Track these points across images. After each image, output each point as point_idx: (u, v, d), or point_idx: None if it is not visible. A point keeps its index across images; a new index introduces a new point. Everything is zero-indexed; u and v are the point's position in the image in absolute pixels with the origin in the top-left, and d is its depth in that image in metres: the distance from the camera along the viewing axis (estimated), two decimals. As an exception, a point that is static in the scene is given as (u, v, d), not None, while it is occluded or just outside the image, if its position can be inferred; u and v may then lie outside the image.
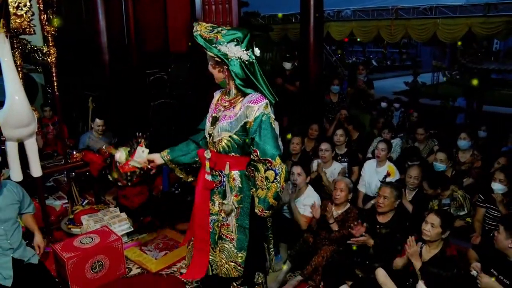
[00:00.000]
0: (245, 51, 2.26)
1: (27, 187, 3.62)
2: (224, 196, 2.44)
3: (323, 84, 6.77)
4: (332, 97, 6.65)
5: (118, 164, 2.65)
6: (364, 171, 4.64)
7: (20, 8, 3.67)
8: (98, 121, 5.50)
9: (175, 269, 3.74)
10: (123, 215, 4.31)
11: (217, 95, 2.53)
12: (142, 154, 2.61)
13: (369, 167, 4.60)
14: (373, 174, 4.50)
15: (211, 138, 2.41)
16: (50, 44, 4.02)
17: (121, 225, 4.18)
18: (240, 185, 2.42)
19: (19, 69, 3.74)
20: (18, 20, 3.69)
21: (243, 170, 2.42)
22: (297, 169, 3.94)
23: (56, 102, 4.36)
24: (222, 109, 2.40)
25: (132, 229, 4.27)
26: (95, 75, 6.35)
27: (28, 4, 3.75)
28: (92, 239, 3.55)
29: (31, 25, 3.81)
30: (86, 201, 4.94)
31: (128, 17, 6.33)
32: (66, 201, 4.80)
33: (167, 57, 6.55)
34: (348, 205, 3.74)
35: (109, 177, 2.53)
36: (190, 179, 2.73)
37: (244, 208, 2.44)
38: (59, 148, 5.38)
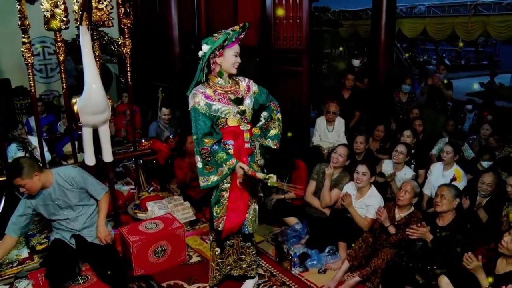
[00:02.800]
0: None
1: (99, 172, 3.84)
2: (255, 155, 3.03)
3: (392, 83, 6.54)
4: (402, 97, 6.40)
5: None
6: (431, 174, 4.44)
7: (101, 2, 3.86)
8: (164, 110, 5.69)
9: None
10: (187, 203, 4.43)
11: (204, 90, 2.86)
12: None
13: (436, 170, 4.39)
14: (439, 178, 4.28)
15: (244, 114, 2.92)
16: (126, 36, 4.19)
17: (184, 213, 4.29)
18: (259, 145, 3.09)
19: (97, 59, 3.94)
20: (98, 13, 3.88)
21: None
22: (362, 168, 3.84)
23: (129, 91, 4.55)
24: (232, 92, 2.91)
25: (195, 218, 4.37)
26: (166, 67, 6.56)
27: (108, -2, 3.94)
28: (156, 225, 3.68)
29: (110, 18, 4.00)
30: (151, 188, 5.12)
31: (199, 11, 6.47)
32: (133, 187, 5.00)
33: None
34: (412, 208, 3.59)
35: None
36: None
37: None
38: (129, 135, 5.62)
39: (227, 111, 2.86)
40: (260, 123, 3.09)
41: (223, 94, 2.88)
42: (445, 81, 6.55)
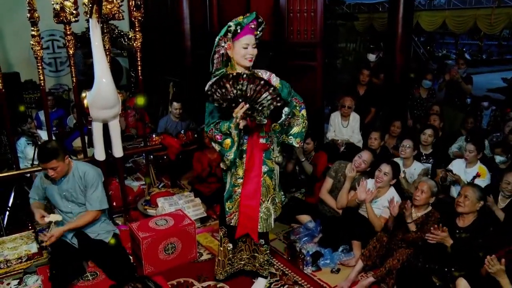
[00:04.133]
0: None
1: (109, 167, 3.87)
2: (272, 152, 2.99)
3: (410, 78, 6.47)
4: (422, 92, 6.33)
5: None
6: (452, 167, 4.37)
7: (111, -5, 3.89)
8: (175, 104, 5.71)
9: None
10: (198, 200, 4.45)
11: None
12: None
13: (458, 167, 4.33)
14: (462, 175, 4.22)
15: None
16: (136, 29, 4.21)
17: (195, 210, 4.31)
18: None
19: (107, 53, 3.97)
20: (109, 6, 3.92)
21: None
22: (386, 168, 3.82)
23: (139, 85, 4.58)
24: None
25: (206, 214, 4.39)
26: (177, 61, 6.59)
27: (118, -10, 3.96)
28: (167, 222, 3.70)
29: (120, 10, 4.03)
30: (162, 184, 5.16)
31: (211, 4, 6.48)
32: (144, 182, 5.04)
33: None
34: (430, 208, 3.55)
35: None
36: None
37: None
38: (140, 130, 5.66)
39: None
40: (281, 119, 2.91)
41: None
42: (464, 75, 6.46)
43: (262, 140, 2.90)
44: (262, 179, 2.95)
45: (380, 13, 12.67)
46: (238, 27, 2.72)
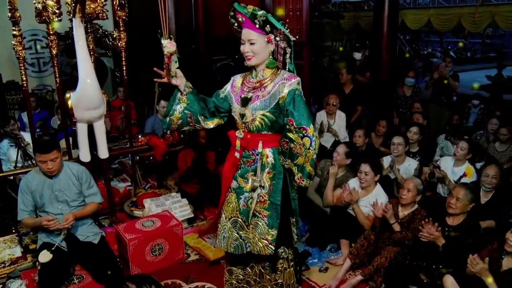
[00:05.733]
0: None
1: (94, 168, 3.84)
2: (255, 174, 2.54)
3: (396, 76, 6.54)
4: (406, 90, 6.40)
5: (166, 52, 2.67)
6: (439, 164, 4.43)
7: (95, -7, 3.86)
8: (163, 102, 5.69)
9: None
10: (184, 200, 4.44)
11: (238, 78, 2.64)
12: (175, 64, 2.68)
13: (446, 165, 4.38)
14: (449, 173, 4.27)
15: (243, 118, 2.51)
16: (121, 29, 4.18)
17: (182, 210, 4.31)
18: (273, 162, 2.53)
19: (91, 53, 3.93)
20: (92, 6, 3.88)
21: (276, 147, 2.51)
22: (365, 167, 3.85)
23: (124, 86, 4.55)
24: (252, 90, 2.49)
25: (193, 215, 4.39)
26: (163, 60, 6.55)
27: (102, -11, 3.93)
28: (154, 223, 3.69)
29: (104, 10, 3.99)
30: (148, 185, 5.14)
31: (196, 3, 6.46)
32: (130, 183, 5.02)
33: (234, 43, 6.61)
34: (416, 206, 3.60)
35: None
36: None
37: (277, 185, 2.54)
38: (125, 131, 5.62)
39: (234, 109, 2.56)
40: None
41: (245, 88, 2.53)
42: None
43: (236, 154, 2.58)
44: (227, 193, 2.67)
45: (365, 11, 12.71)
46: (231, 22, 2.53)
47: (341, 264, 3.56)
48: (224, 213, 2.68)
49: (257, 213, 2.56)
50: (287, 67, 2.50)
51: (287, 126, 2.38)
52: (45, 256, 3.06)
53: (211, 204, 4.54)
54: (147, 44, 6.88)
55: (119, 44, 4.27)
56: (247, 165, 2.56)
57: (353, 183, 3.99)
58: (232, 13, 2.48)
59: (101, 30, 4.26)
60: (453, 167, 4.35)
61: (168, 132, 5.32)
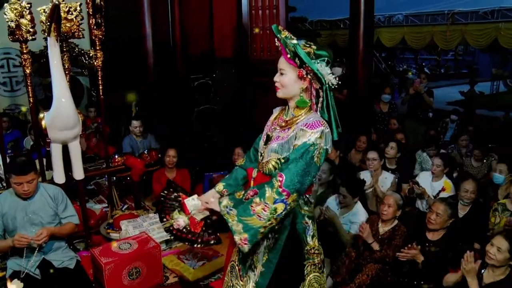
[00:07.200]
0: (332, 75, 2.10)
1: (69, 190, 3.76)
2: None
3: (372, 93, 6.64)
4: (382, 107, 6.51)
5: (190, 229, 2.32)
6: (418, 179, 4.49)
7: (70, 13, 3.82)
8: (134, 122, 5.64)
9: (213, 279, 3.74)
10: (162, 221, 4.36)
11: (275, 112, 2.40)
12: (195, 203, 2.29)
13: (424, 180, 4.45)
14: (427, 188, 4.34)
15: (261, 157, 2.27)
16: (97, 47, 4.15)
17: (160, 231, 4.21)
18: None
19: (66, 72, 3.89)
20: (68, 24, 3.85)
21: None
22: (342, 190, 3.89)
23: (101, 105, 4.49)
24: (278, 128, 2.24)
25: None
26: (140, 79, 6.52)
27: (78, 8, 3.90)
28: (131, 245, 3.61)
29: (80, 29, 3.96)
30: (126, 206, 5.04)
31: (174, 22, 6.48)
32: (106, 205, 4.92)
33: (212, 62, 6.65)
34: (396, 222, 3.62)
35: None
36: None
37: (279, 240, 2.20)
38: (101, 151, 5.54)
39: (259, 145, 2.34)
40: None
41: (275, 125, 2.29)
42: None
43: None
44: None
45: (342, 29, 13.00)
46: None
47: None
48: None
49: (253, 266, 2.26)
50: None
51: (273, 180, 2.03)
52: (15, 286, 2.94)
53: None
54: (125, 62, 6.88)
55: (95, 63, 4.23)
56: None
57: (333, 201, 4.01)
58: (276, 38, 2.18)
59: (77, 49, 4.22)
60: (431, 182, 4.42)
61: (146, 152, 5.27)
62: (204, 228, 2.32)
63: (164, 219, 2.34)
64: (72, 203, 3.41)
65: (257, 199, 2.01)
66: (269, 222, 2.00)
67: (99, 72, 4.26)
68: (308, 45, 2.10)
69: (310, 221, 2.27)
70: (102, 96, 4.38)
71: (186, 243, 2.33)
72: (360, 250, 3.59)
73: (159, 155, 5.25)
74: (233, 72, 6.45)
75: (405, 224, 3.59)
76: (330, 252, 3.72)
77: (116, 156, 4.91)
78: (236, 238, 2.01)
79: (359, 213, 3.83)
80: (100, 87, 4.33)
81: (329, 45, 13.43)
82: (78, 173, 3.98)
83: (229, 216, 2.03)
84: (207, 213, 2.27)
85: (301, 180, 2.02)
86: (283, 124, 2.22)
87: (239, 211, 2.02)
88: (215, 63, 6.67)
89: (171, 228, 2.31)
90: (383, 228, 3.61)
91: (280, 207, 1.99)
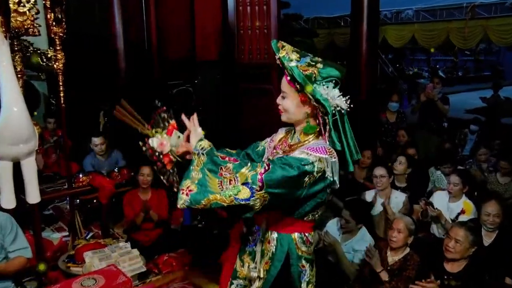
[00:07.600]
0: (342, 97, 2.11)
1: (20, 216, 3.67)
2: (254, 259, 2.34)
3: (378, 101, 6.66)
4: (389, 116, 6.53)
5: (159, 155, 2.39)
6: (432, 200, 4.47)
7: (22, 5, 3.73)
8: (94, 139, 5.61)
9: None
10: (135, 251, 4.30)
11: (281, 133, 2.44)
12: (178, 140, 2.36)
13: (440, 201, 4.41)
14: (444, 210, 4.29)
15: None
16: (58, 47, 4.10)
17: (131, 263, 4.17)
18: (274, 251, 2.26)
19: (19, 75, 3.82)
20: (19, 18, 3.76)
21: (283, 234, 2.26)
22: (346, 214, 3.87)
23: (62, 115, 4.44)
24: (281, 153, 2.26)
25: (145, 269, 4.26)
26: (109, 85, 6.48)
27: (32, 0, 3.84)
28: (96, 281, 3.51)
29: (35, 24, 3.89)
30: (91, 234, 4.98)
31: (149, 19, 6.47)
32: (67, 233, 4.86)
33: (193, 66, 6.63)
34: (408, 250, 3.58)
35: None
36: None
37: (269, 277, 2.26)
38: (62, 169, 5.47)
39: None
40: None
41: (279, 149, 2.33)
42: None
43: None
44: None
45: (342, 28, 13.10)
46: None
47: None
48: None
49: None
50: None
51: (259, 164, 2.04)
52: None
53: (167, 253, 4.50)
54: (91, 65, 6.84)
55: (55, 65, 4.18)
56: (246, 243, 2.37)
57: (333, 225, 3.98)
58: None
59: (31, 48, 4.15)
60: (449, 203, 4.38)
61: (116, 170, 5.20)
62: (175, 170, 2.41)
63: (146, 129, 2.44)
64: (24, 232, 3.34)
65: (230, 166, 2.02)
66: (224, 198, 1.96)
67: (60, 76, 4.22)
68: (313, 64, 2.10)
69: (308, 264, 2.29)
70: (63, 105, 4.33)
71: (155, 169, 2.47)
72: (366, 282, 3.53)
73: (132, 174, 5.20)
74: (218, 77, 6.43)
75: (418, 252, 3.55)
76: (330, 286, 3.67)
77: (80, 175, 4.85)
78: (184, 184, 2.03)
79: (364, 239, 3.79)
80: (61, 94, 4.30)
81: (327, 46, 13.52)
82: (33, 196, 3.89)
83: (197, 158, 2.07)
84: (176, 157, 2.36)
85: (282, 187, 1.99)
86: (287, 148, 2.25)
87: (207, 161, 2.05)
88: (197, 67, 6.67)
89: (146, 144, 2.43)
90: (392, 257, 3.56)
91: (244, 193, 1.96)
